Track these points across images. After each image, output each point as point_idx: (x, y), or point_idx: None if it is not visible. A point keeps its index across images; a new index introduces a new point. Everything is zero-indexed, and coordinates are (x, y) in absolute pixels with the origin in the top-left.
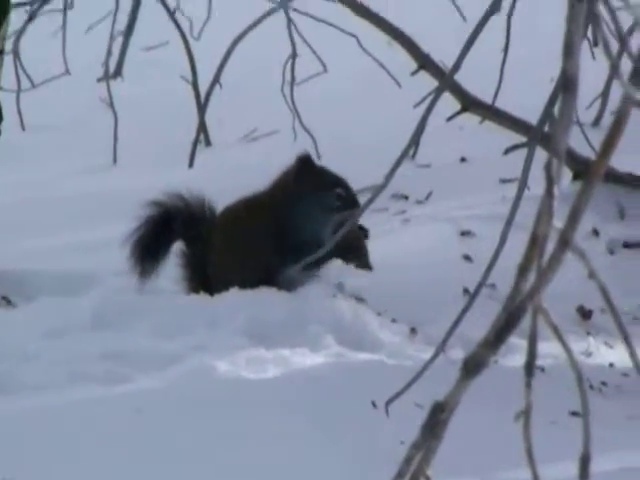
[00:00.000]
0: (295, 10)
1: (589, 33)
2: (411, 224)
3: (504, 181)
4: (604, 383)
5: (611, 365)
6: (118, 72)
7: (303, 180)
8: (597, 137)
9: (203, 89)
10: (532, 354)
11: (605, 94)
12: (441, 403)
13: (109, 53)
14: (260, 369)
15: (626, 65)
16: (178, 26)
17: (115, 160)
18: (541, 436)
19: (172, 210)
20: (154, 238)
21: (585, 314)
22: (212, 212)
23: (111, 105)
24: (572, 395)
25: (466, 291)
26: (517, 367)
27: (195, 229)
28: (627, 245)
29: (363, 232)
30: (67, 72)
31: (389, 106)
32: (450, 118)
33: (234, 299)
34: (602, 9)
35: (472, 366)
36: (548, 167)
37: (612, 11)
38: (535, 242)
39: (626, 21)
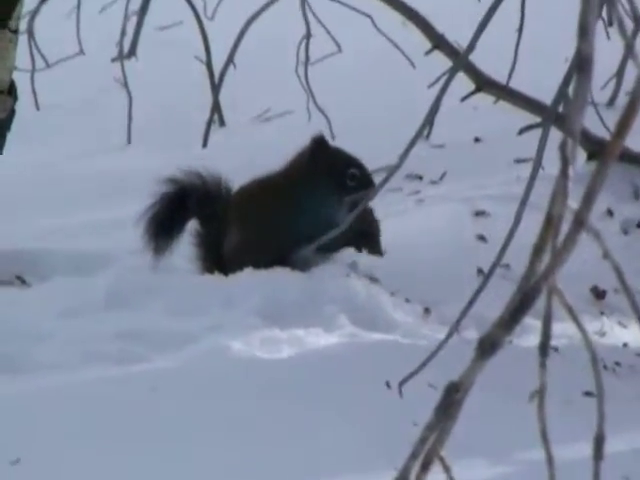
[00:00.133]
0: None
1: (604, 13)
2: (425, 204)
3: (518, 161)
4: (618, 363)
5: (625, 345)
6: (132, 52)
7: (317, 161)
8: (612, 117)
9: (217, 69)
10: (546, 334)
11: (620, 74)
12: (455, 383)
13: (123, 33)
14: (274, 349)
15: None
16: (192, 6)
17: (129, 140)
18: (555, 416)
19: (188, 187)
20: (169, 215)
21: (599, 294)
22: (228, 191)
23: (125, 85)
24: (586, 375)
25: (480, 271)
26: (531, 347)
27: (210, 207)
28: None
29: (375, 221)
30: (81, 52)
31: (403, 86)
32: (464, 98)
33: (248, 279)
34: None
35: (487, 346)
36: (563, 147)
37: None
38: (550, 222)
39: None
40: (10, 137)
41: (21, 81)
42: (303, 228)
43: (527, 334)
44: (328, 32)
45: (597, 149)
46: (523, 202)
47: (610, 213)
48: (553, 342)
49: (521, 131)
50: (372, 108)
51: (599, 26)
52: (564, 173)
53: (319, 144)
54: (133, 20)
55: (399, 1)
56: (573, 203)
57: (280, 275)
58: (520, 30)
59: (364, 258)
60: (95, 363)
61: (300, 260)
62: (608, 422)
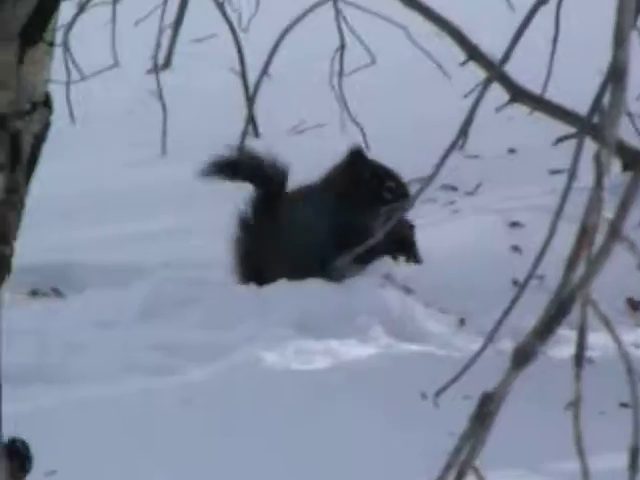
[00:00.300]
0: (343, 1)
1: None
2: (460, 215)
3: (553, 172)
4: None
5: None
6: (167, 64)
7: (355, 173)
8: None
9: (252, 80)
10: (581, 345)
11: None
12: (490, 394)
13: (158, 45)
14: (308, 360)
15: None
16: (227, 18)
17: (164, 152)
18: (590, 427)
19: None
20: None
21: (634, 305)
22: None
23: (160, 97)
24: (621, 386)
25: (515, 282)
26: (566, 359)
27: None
28: None
29: (410, 227)
30: (116, 64)
31: (438, 97)
32: (499, 109)
33: (283, 290)
34: None
35: (521, 357)
36: (598, 157)
37: None
38: (585, 233)
39: None
40: (45, 149)
41: (57, 93)
42: (340, 239)
43: (561, 345)
44: (362, 43)
45: (632, 159)
46: (558, 213)
47: None
48: (588, 353)
49: (556, 142)
50: (406, 119)
51: (634, 36)
52: (599, 183)
53: (356, 157)
54: (168, 32)
55: (433, 12)
56: (608, 214)
57: (315, 286)
58: (554, 42)
59: (399, 269)
60: (130, 374)
61: (336, 271)
62: None
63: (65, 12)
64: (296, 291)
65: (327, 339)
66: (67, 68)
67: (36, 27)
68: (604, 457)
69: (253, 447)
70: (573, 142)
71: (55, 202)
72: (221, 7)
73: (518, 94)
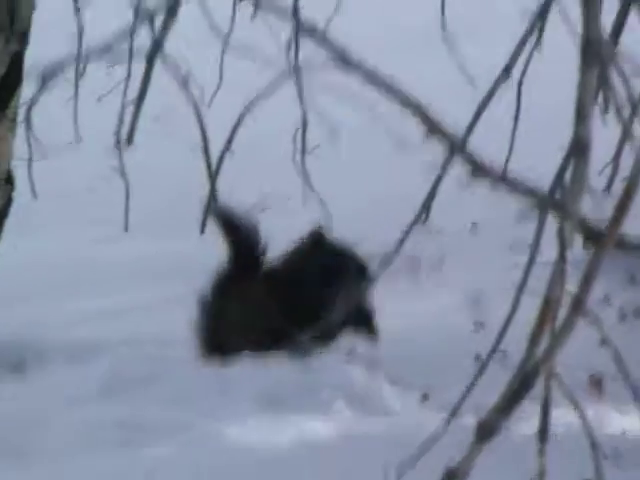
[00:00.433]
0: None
1: (600, 99)
2: (423, 290)
3: (515, 247)
4: (616, 450)
5: (624, 433)
6: (130, 140)
7: (315, 254)
8: (609, 203)
9: (215, 152)
10: (545, 420)
11: (616, 160)
12: (454, 469)
13: (121, 121)
14: (271, 435)
15: (638, 131)
16: (190, 95)
17: (127, 228)
18: None
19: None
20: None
21: (597, 383)
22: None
23: (122, 173)
24: (584, 462)
25: (478, 357)
26: (529, 434)
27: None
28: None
29: (369, 303)
30: (79, 140)
31: (400, 172)
32: (460, 187)
33: (246, 365)
34: (614, 75)
35: (485, 432)
36: (561, 232)
37: (624, 76)
38: (548, 306)
39: (638, 86)
40: (7, 225)
41: (18, 169)
42: (301, 316)
43: (525, 420)
44: (324, 119)
45: (594, 235)
46: (520, 287)
47: (607, 300)
48: (551, 428)
49: (518, 218)
50: (369, 193)
51: (595, 112)
52: (562, 257)
53: (317, 238)
54: (130, 109)
55: (395, 89)
56: (571, 288)
57: (278, 361)
58: (516, 118)
59: (362, 344)
60: (91, 451)
61: (298, 349)
62: None
63: (27, 89)
64: (259, 366)
65: (290, 414)
66: (29, 145)
67: None
68: None
69: None
70: (535, 216)
71: (15, 278)
72: (184, 83)
73: (478, 170)
